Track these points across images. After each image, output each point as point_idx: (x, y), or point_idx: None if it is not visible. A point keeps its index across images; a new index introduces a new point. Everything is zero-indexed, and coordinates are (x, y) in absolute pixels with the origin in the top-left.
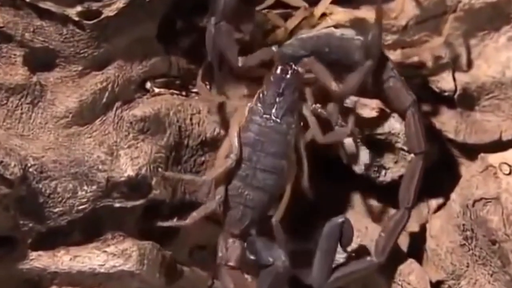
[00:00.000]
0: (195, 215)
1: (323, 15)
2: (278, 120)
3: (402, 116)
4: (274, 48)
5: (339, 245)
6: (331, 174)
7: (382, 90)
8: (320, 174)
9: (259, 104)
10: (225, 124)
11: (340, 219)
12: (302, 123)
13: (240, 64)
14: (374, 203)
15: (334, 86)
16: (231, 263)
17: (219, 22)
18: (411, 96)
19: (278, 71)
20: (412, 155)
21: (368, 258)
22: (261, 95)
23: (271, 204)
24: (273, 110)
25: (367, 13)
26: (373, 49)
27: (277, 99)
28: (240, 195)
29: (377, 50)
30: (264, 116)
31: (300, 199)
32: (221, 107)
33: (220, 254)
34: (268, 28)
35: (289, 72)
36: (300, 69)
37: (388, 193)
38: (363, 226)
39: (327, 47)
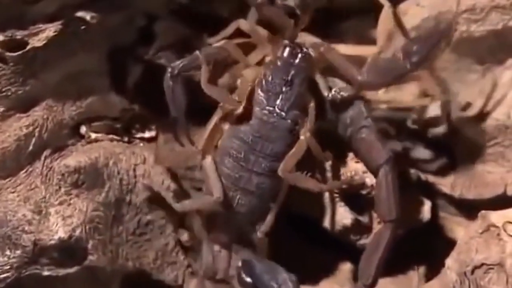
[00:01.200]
0: (187, 203)
1: None
2: (283, 114)
3: (374, 174)
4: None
5: None
6: (302, 233)
7: (353, 140)
8: (289, 233)
9: (260, 93)
10: None
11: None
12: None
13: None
14: (348, 268)
15: (358, 74)
16: (218, 276)
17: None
18: (386, 152)
19: (286, 53)
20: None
21: None
22: (263, 81)
23: (264, 212)
24: (278, 102)
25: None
26: None
27: (283, 89)
28: (231, 199)
29: None
30: (267, 108)
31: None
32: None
33: (204, 266)
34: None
35: (299, 55)
36: (312, 53)
37: None
38: None
39: None
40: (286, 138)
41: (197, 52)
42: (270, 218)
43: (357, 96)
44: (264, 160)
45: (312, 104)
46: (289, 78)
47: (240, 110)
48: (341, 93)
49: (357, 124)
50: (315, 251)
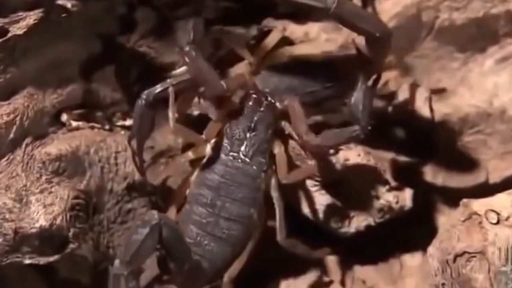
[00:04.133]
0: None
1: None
2: (247, 160)
3: None
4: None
5: None
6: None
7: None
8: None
9: (225, 140)
10: None
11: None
12: (273, 165)
13: (225, 87)
14: (332, 260)
15: (305, 135)
16: None
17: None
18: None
19: (251, 101)
20: None
21: None
22: (228, 129)
23: (233, 259)
24: (242, 148)
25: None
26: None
27: (248, 135)
28: (197, 244)
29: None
30: (231, 154)
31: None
32: None
33: None
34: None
35: (264, 104)
36: (277, 103)
37: (350, 249)
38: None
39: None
40: (252, 184)
41: (168, 80)
42: (237, 265)
43: None
44: (231, 205)
45: (279, 151)
46: (253, 124)
47: (208, 152)
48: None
49: None
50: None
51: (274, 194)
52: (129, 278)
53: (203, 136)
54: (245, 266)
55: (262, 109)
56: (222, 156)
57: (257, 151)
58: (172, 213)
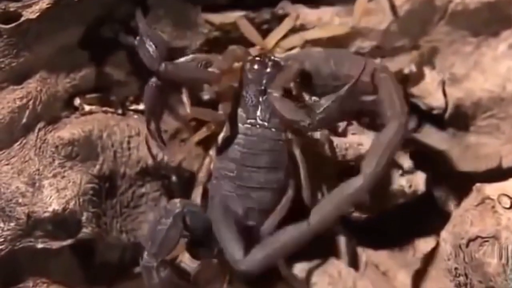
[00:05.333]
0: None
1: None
2: (266, 124)
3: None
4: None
5: None
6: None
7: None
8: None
9: (240, 110)
10: None
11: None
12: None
13: (218, 72)
14: (345, 245)
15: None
16: None
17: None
18: (371, 61)
19: (256, 65)
20: None
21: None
22: (240, 98)
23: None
24: (258, 113)
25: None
26: None
27: (260, 99)
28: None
29: None
30: (248, 121)
31: None
32: None
33: None
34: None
35: (269, 64)
36: (281, 61)
37: (364, 233)
38: (336, 271)
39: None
40: (274, 147)
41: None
42: (273, 221)
43: None
44: (258, 174)
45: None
46: (263, 87)
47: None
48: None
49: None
50: None
51: (296, 151)
52: (160, 268)
53: (220, 111)
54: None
55: (268, 69)
56: (240, 126)
57: (273, 112)
58: (197, 193)
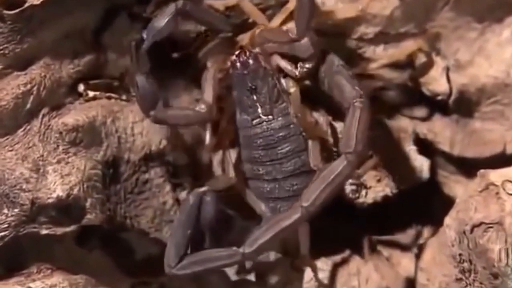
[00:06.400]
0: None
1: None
2: (271, 117)
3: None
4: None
5: None
6: None
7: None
8: None
9: (241, 114)
10: None
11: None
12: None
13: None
14: (350, 231)
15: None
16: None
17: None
18: (356, 90)
19: (238, 65)
20: None
21: (234, 248)
22: (235, 103)
23: None
24: (259, 110)
25: None
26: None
27: (254, 97)
28: (274, 210)
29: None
30: (254, 122)
31: None
32: None
33: None
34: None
35: (250, 59)
36: (257, 50)
37: (368, 219)
38: (340, 257)
39: None
40: (289, 132)
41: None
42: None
43: (326, 51)
44: (284, 165)
45: (293, 89)
46: (250, 85)
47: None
48: (306, 65)
49: (330, 73)
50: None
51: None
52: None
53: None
54: None
55: (251, 64)
56: (248, 129)
57: (272, 102)
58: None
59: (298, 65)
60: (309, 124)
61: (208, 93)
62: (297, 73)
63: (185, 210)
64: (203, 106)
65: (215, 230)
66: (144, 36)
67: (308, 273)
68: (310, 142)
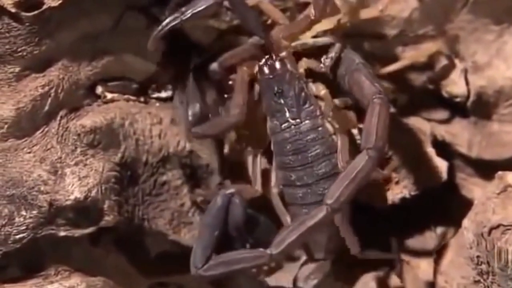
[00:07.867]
0: None
1: None
2: (299, 120)
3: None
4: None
5: None
6: None
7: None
8: None
9: (271, 121)
10: None
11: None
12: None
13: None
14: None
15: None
16: None
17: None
18: (375, 87)
19: (265, 70)
20: None
21: (261, 249)
22: (266, 110)
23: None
24: (287, 114)
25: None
26: None
27: (282, 101)
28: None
29: None
30: (283, 126)
31: None
32: None
33: None
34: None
35: (276, 64)
36: (283, 55)
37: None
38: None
39: None
40: (318, 134)
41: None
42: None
43: (346, 49)
44: (316, 168)
45: (324, 91)
46: (276, 89)
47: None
48: (330, 55)
49: (350, 71)
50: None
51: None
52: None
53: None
54: None
55: (278, 68)
56: (278, 135)
57: (300, 105)
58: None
59: (322, 58)
60: (341, 115)
61: (239, 96)
62: (322, 66)
63: (213, 211)
64: (236, 110)
65: (242, 231)
66: (177, 14)
67: None
68: (339, 142)
